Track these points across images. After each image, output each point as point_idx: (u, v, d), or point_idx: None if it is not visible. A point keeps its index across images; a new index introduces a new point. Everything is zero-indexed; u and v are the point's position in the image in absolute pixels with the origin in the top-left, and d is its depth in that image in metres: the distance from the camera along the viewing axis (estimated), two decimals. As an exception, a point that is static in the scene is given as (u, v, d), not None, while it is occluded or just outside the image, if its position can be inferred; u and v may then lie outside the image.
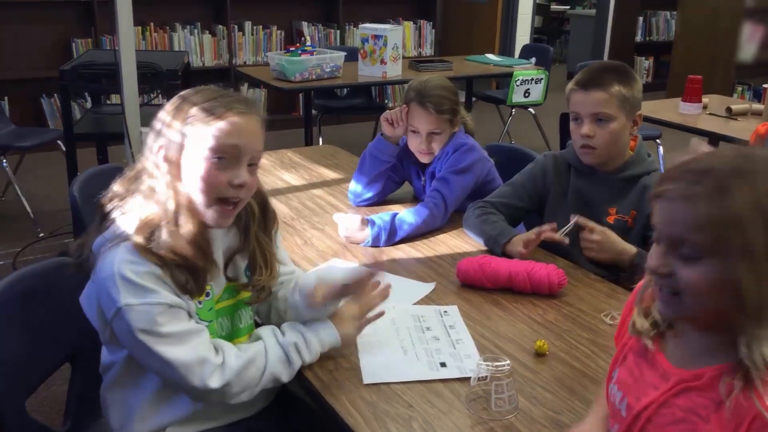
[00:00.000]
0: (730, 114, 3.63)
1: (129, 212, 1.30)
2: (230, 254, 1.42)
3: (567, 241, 1.80)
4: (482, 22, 7.06)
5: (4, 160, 3.98)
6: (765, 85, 3.73)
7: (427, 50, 6.77)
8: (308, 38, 6.03)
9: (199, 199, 1.30)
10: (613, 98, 1.80)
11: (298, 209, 2.27)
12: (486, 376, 1.27)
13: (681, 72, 5.99)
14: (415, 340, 1.51)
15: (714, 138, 3.45)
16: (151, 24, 5.59)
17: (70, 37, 5.38)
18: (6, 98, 5.20)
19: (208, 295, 1.36)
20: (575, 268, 1.85)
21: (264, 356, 1.35)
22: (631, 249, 1.76)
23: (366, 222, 2.00)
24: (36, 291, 1.48)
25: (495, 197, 2.03)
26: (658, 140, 4.62)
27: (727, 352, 0.92)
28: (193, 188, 1.30)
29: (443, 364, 1.42)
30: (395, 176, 2.33)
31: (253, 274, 1.43)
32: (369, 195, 2.28)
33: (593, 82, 1.82)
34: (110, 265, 1.24)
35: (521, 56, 5.62)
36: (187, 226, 1.28)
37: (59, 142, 4.08)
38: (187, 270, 1.28)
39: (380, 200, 2.30)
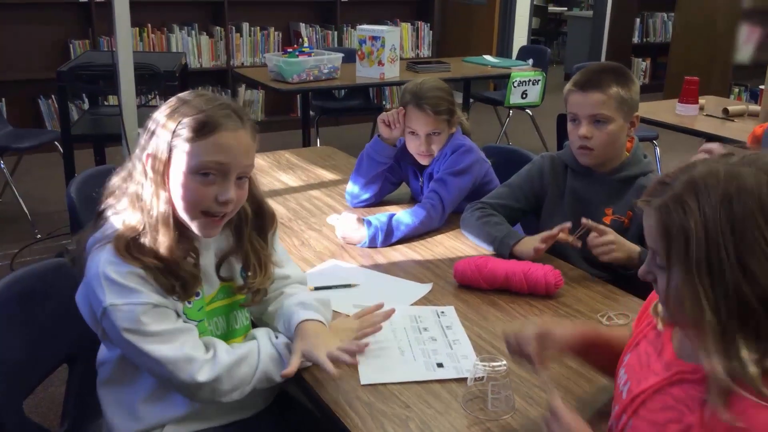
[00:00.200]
0: (727, 115, 3.64)
1: (120, 212, 1.31)
2: (223, 255, 1.42)
3: (579, 244, 1.79)
4: (480, 24, 7.07)
5: (2, 162, 3.98)
6: (761, 87, 3.74)
7: (425, 51, 6.78)
8: (306, 39, 6.03)
9: (184, 211, 1.30)
10: (611, 100, 1.81)
11: (295, 210, 2.27)
12: (483, 377, 1.28)
13: (678, 73, 6.01)
14: (412, 340, 1.51)
15: (710, 139, 3.46)
16: (149, 25, 5.59)
17: (67, 39, 5.38)
18: (3, 99, 5.21)
19: (197, 295, 1.36)
20: (572, 269, 1.85)
21: (257, 355, 1.35)
22: (635, 247, 1.76)
23: (362, 221, 2.00)
24: (34, 292, 1.48)
25: (492, 198, 2.04)
26: (654, 141, 4.63)
27: None
28: (178, 200, 1.29)
29: (440, 365, 1.42)
30: (392, 177, 2.34)
31: (248, 276, 1.43)
32: (366, 196, 2.28)
33: (591, 84, 1.82)
34: (96, 265, 1.26)
35: (519, 57, 5.63)
36: (167, 236, 1.27)
37: (57, 143, 4.08)
38: (171, 275, 1.28)
39: (377, 201, 2.30)
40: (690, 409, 0.94)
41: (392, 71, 4.48)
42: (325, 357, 1.30)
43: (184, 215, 1.30)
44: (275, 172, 2.66)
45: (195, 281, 1.33)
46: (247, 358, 1.33)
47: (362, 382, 1.35)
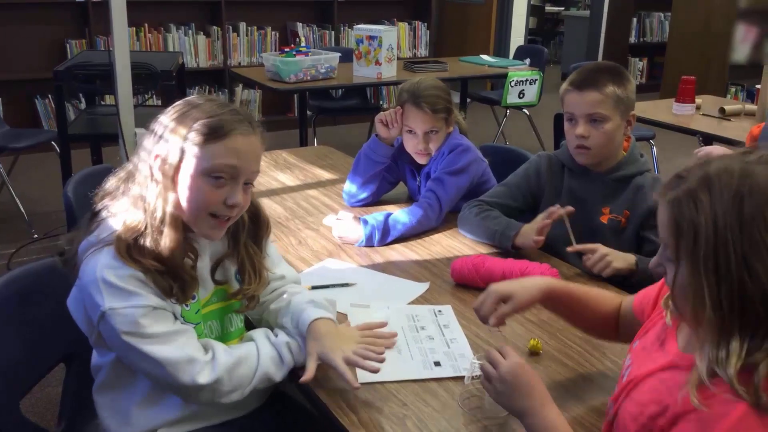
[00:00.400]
0: (723, 114, 3.65)
1: (116, 215, 1.30)
2: (218, 259, 1.41)
3: (573, 210, 1.79)
4: (477, 23, 7.07)
5: (-1, 161, 3.98)
6: (758, 86, 3.74)
7: (422, 51, 6.79)
8: (303, 39, 6.03)
9: (190, 212, 1.30)
10: (608, 99, 1.81)
11: (292, 209, 2.27)
12: (480, 375, 1.28)
13: (675, 73, 6.02)
14: (409, 339, 1.51)
15: (707, 139, 3.47)
16: (146, 25, 5.58)
17: (64, 38, 5.37)
18: (0, 99, 5.19)
19: (193, 298, 1.36)
20: (569, 268, 1.86)
21: (256, 355, 1.35)
22: (630, 255, 1.75)
23: (359, 220, 2.00)
24: (30, 292, 1.48)
25: (489, 197, 2.04)
26: (651, 141, 4.64)
27: None
28: (186, 202, 1.29)
29: (437, 363, 1.42)
30: (390, 177, 2.34)
31: (243, 282, 1.43)
32: (364, 195, 2.28)
33: (588, 83, 1.82)
34: (93, 269, 1.25)
35: (516, 57, 5.64)
36: (171, 236, 1.27)
37: (53, 143, 4.07)
38: (170, 277, 1.28)
39: (375, 200, 2.30)
40: (671, 393, 0.96)
41: (389, 71, 4.48)
42: (343, 363, 1.31)
43: (190, 217, 1.31)
44: (272, 172, 2.65)
45: (193, 283, 1.33)
46: (246, 359, 1.33)
47: (359, 381, 1.35)
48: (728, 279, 0.89)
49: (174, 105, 1.33)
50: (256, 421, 1.47)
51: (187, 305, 1.33)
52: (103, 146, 3.95)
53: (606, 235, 1.85)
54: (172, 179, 1.28)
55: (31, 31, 5.27)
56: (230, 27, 5.92)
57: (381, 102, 6.60)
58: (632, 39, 8.24)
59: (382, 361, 1.33)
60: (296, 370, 1.38)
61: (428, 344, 1.49)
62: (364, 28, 4.45)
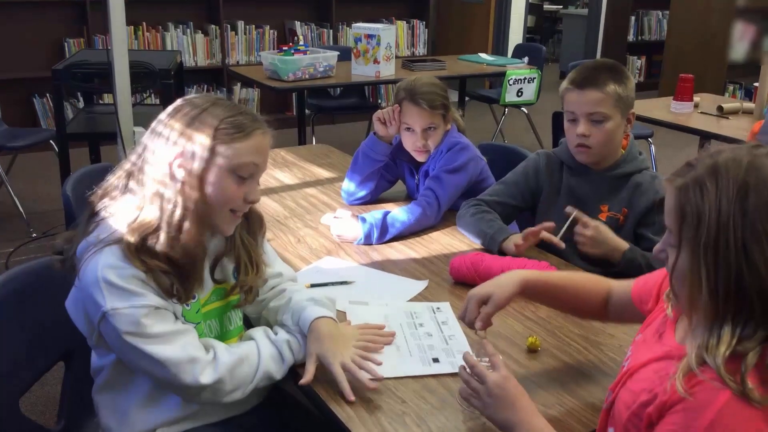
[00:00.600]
0: (722, 113, 3.65)
1: (116, 214, 1.30)
2: (216, 257, 1.42)
3: (563, 246, 1.80)
4: (475, 22, 7.07)
5: (-3, 160, 3.98)
6: (756, 84, 3.75)
7: (420, 50, 6.78)
8: (301, 38, 6.03)
9: (213, 209, 1.32)
10: (609, 98, 1.81)
11: (291, 208, 2.27)
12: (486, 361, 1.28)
13: (673, 71, 6.02)
14: (408, 336, 1.52)
15: (705, 137, 3.48)
16: (144, 24, 5.58)
17: (62, 37, 5.37)
18: (-2, 98, 5.20)
19: (194, 297, 1.36)
20: (567, 266, 1.86)
21: (257, 354, 1.35)
22: (624, 245, 1.77)
23: (357, 218, 2.00)
24: (29, 290, 1.48)
25: (488, 195, 2.04)
26: (650, 139, 4.64)
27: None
28: (211, 199, 1.30)
29: (436, 360, 1.42)
30: (388, 175, 2.34)
31: (240, 274, 1.43)
32: (362, 193, 2.28)
33: (588, 82, 1.82)
34: (94, 270, 1.24)
35: (514, 56, 5.64)
36: (192, 233, 1.28)
37: (52, 142, 4.07)
38: (176, 275, 1.28)
39: (373, 199, 2.31)
40: (661, 382, 0.98)
41: (388, 69, 4.48)
42: (340, 369, 1.31)
43: (212, 213, 1.32)
44: (271, 170, 2.65)
45: (199, 281, 1.34)
46: (247, 358, 1.34)
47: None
48: (726, 266, 0.91)
49: (177, 106, 1.32)
50: (254, 418, 1.48)
51: (187, 305, 1.34)
52: (102, 145, 3.95)
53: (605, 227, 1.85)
54: (197, 177, 1.29)
55: (29, 30, 5.27)
56: (228, 26, 5.91)
57: (379, 100, 6.60)
58: (630, 37, 8.24)
59: (378, 379, 1.32)
60: (296, 368, 1.38)
61: (427, 341, 1.50)
62: (362, 27, 4.45)
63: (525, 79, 4.90)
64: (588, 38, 8.19)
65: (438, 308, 1.64)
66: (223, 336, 1.44)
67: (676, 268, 0.98)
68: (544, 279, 1.39)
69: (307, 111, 4.93)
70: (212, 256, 1.41)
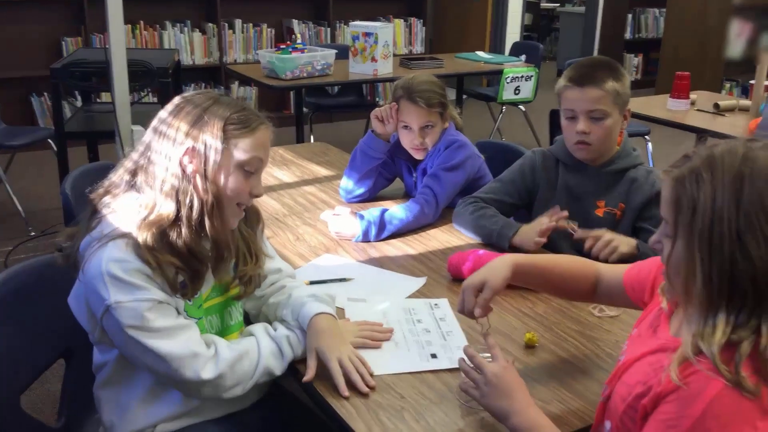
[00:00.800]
0: (718, 110, 3.67)
1: (119, 211, 1.31)
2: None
3: (577, 226, 1.80)
4: (473, 20, 7.08)
5: (-5, 159, 3.98)
6: (752, 81, 3.76)
7: (418, 48, 6.79)
8: (299, 36, 6.03)
9: (223, 204, 1.33)
10: (608, 95, 1.82)
11: (290, 206, 2.28)
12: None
13: (670, 69, 6.03)
14: (406, 332, 1.53)
15: (702, 134, 3.49)
16: (141, 22, 5.58)
17: (60, 36, 5.37)
18: (-5, 97, 5.20)
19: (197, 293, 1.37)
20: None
21: (257, 350, 1.36)
22: (631, 239, 1.77)
23: (355, 215, 2.01)
24: (30, 288, 1.48)
25: (485, 193, 2.05)
26: (647, 136, 4.66)
27: None
28: (222, 194, 1.32)
29: (434, 356, 1.44)
30: (386, 173, 2.35)
31: (239, 265, 1.44)
32: (360, 191, 2.29)
33: (588, 80, 1.83)
34: (98, 264, 1.25)
35: (511, 54, 5.65)
36: (216, 226, 1.32)
37: (50, 140, 4.07)
38: (187, 270, 1.30)
39: (371, 196, 2.32)
40: (656, 374, 0.99)
41: (386, 67, 4.49)
42: (337, 365, 1.32)
43: (222, 208, 1.33)
44: (269, 168, 2.66)
45: (205, 276, 1.36)
46: (248, 354, 1.35)
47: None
48: (720, 254, 0.92)
49: (179, 105, 1.33)
50: (254, 415, 1.49)
51: (190, 300, 1.35)
52: (100, 144, 3.95)
53: (602, 228, 1.86)
54: (209, 174, 1.30)
55: (26, 29, 5.27)
56: (226, 24, 5.92)
57: (377, 99, 6.60)
58: (627, 35, 8.26)
59: (371, 386, 1.33)
60: (296, 365, 1.39)
61: (425, 337, 1.51)
62: (359, 25, 4.46)
63: (522, 77, 4.91)
64: (585, 36, 8.19)
65: (436, 304, 1.65)
66: (223, 331, 1.45)
67: (672, 257, 1.00)
68: (534, 261, 1.41)
69: (304, 109, 4.94)
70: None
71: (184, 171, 1.29)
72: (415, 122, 2.15)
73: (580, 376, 1.37)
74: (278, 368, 1.38)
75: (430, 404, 1.28)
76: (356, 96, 5.51)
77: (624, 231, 1.85)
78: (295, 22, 6.18)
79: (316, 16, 6.38)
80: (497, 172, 2.16)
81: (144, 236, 1.26)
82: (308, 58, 4.30)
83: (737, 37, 6.72)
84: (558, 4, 10.41)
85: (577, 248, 1.86)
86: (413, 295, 1.70)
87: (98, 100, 4.56)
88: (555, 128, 3.39)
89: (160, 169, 1.30)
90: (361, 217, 2.01)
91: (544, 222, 1.82)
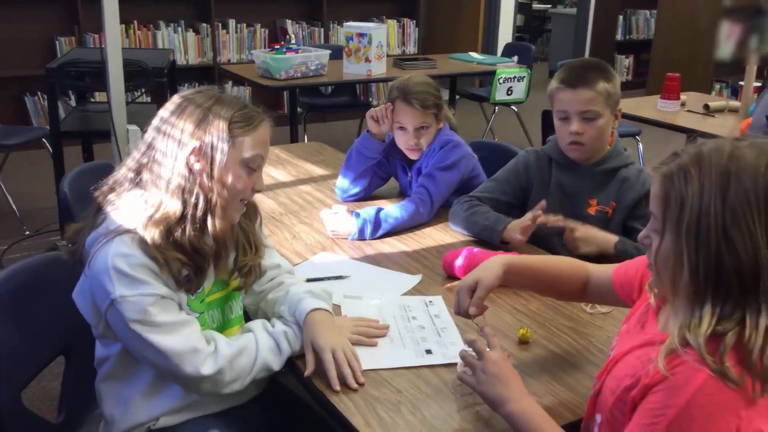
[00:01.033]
0: (708, 111, 3.72)
1: (123, 208, 1.34)
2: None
3: (561, 221, 1.84)
4: (465, 21, 7.11)
5: (-11, 159, 3.98)
6: (741, 83, 3.81)
7: (411, 48, 6.82)
8: (293, 36, 6.05)
9: (228, 200, 1.36)
10: (600, 96, 1.86)
11: (286, 205, 2.31)
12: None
13: (660, 70, 6.08)
14: (401, 328, 1.55)
15: (691, 134, 3.52)
16: (135, 22, 5.58)
17: (53, 36, 5.37)
18: (-10, 96, 5.20)
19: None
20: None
21: (255, 345, 1.39)
22: (613, 237, 1.82)
23: (351, 213, 2.04)
24: (29, 286, 1.50)
25: (480, 192, 2.08)
26: (637, 137, 4.70)
27: None
28: (228, 191, 1.35)
29: (429, 351, 1.46)
30: (381, 172, 2.38)
31: (239, 256, 1.47)
32: (356, 190, 2.32)
33: (581, 81, 1.86)
34: (104, 259, 1.28)
35: (503, 54, 5.68)
36: (218, 226, 1.34)
37: (44, 140, 4.08)
38: (193, 266, 1.33)
39: (367, 195, 2.34)
40: (644, 367, 1.02)
41: (379, 68, 4.51)
42: (331, 357, 1.35)
43: (226, 204, 1.36)
44: (265, 168, 2.65)
45: (208, 272, 1.38)
46: (246, 349, 1.37)
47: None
48: (707, 248, 0.96)
49: (180, 105, 1.35)
50: (253, 410, 1.51)
51: (193, 295, 1.37)
52: (95, 143, 3.96)
53: (594, 226, 1.90)
54: (216, 172, 1.33)
55: (19, 29, 5.26)
56: (219, 24, 5.93)
57: (370, 99, 6.63)
58: (618, 36, 8.31)
59: (361, 384, 1.35)
60: (294, 361, 1.42)
61: (420, 333, 1.54)
62: (353, 26, 4.48)
63: (515, 77, 4.95)
64: (576, 37, 8.23)
65: (431, 302, 1.68)
66: (224, 325, 1.48)
67: (660, 251, 1.03)
68: (526, 262, 1.44)
69: (298, 109, 4.96)
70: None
71: (190, 170, 1.32)
72: (410, 123, 2.18)
73: (572, 371, 1.40)
74: (276, 364, 1.41)
75: (426, 398, 1.31)
76: (350, 96, 5.54)
77: (615, 229, 1.89)
78: (288, 22, 6.20)
79: (310, 17, 6.40)
80: (490, 172, 2.20)
81: (151, 234, 1.28)
82: (302, 58, 4.32)
83: (727, 39, 6.78)
84: (549, 6, 10.46)
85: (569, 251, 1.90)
86: (408, 293, 1.73)
87: (92, 100, 4.57)
88: (548, 129, 3.42)
89: (166, 169, 1.32)
90: (357, 215, 2.04)
91: (527, 219, 1.86)
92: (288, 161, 2.79)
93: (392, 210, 2.08)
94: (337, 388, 1.32)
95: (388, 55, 4.76)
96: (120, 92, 3.03)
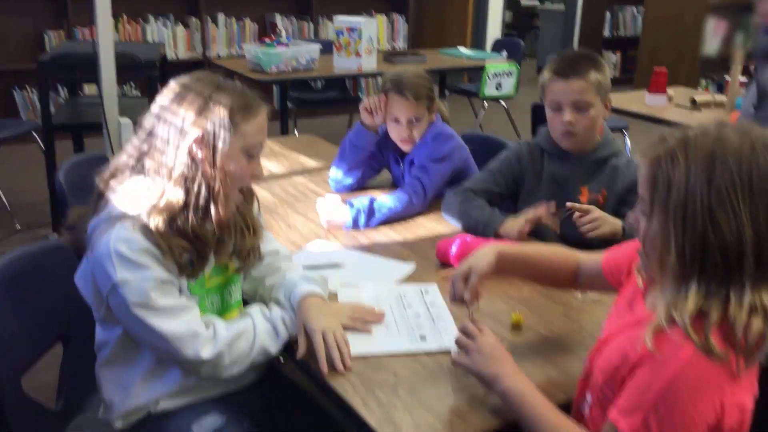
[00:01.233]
0: (695, 105, 3.76)
1: (125, 194, 1.35)
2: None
3: (558, 229, 1.87)
4: (454, 16, 7.14)
5: (-21, 153, 3.97)
6: (727, 78, 3.86)
7: (401, 44, 6.84)
8: (283, 30, 6.05)
9: (229, 188, 1.37)
10: (591, 86, 1.89)
11: (281, 196, 2.33)
12: None
13: (648, 66, 6.13)
14: (397, 316, 1.58)
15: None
16: (124, 16, 5.57)
17: (42, 29, 5.34)
18: (-22, 91, 5.17)
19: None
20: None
21: (253, 330, 1.41)
22: (618, 222, 1.83)
23: (345, 202, 2.07)
24: (27, 274, 1.51)
25: (473, 183, 2.11)
26: (625, 131, 4.75)
27: None
28: (229, 178, 1.36)
29: (423, 338, 1.49)
30: (374, 163, 2.40)
31: (237, 239, 1.48)
32: (349, 181, 2.35)
33: (573, 71, 1.89)
34: (106, 243, 1.30)
35: (493, 50, 5.72)
36: (220, 213, 1.35)
37: (34, 134, 4.07)
38: (195, 252, 1.35)
39: (360, 186, 2.37)
40: (632, 345, 1.06)
41: (369, 63, 4.53)
42: (321, 339, 1.37)
43: (227, 191, 1.37)
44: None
45: (209, 257, 1.41)
46: (244, 333, 1.40)
47: (352, 351, 1.40)
48: (693, 229, 0.99)
49: (180, 93, 1.36)
50: (251, 396, 1.54)
51: (194, 280, 1.40)
52: (86, 137, 3.95)
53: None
54: (218, 160, 1.34)
55: (8, 23, 5.23)
56: (209, 18, 5.92)
57: (360, 94, 6.64)
58: (606, 33, 8.37)
59: (347, 367, 1.36)
60: (293, 346, 1.44)
61: (415, 321, 1.56)
62: (344, 20, 4.49)
63: (504, 73, 4.99)
64: (564, 33, 8.31)
65: (426, 290, 1.71)
66: (224, 309, 1.50)
67: (648, 233, 1.06)
68: (518, 251, 1.48)
69: (288, 104, 4.97)
70: None
71: (193, 159, 1.33)
72: (403, 115, 2.21)
73: (564, 354, 1.43)
74: (274, 347, 1.43)
75: (422, 380, 1.33)
76: (340, 91, 5.56)
77: (606, 217, 1.93)
78: (278, 16, 6.21)
79: (299, 11, 6.40)
80: (480, 164, 2.23)
81: (155, 222, 1.30)
82: (293, 52, 4.33)
83: (713, 35, 6.86)
84: (538, 2, 10.51)
85: (562, 239, 1.93)
86: (404, 281, 1.76)
87: (80, 93, 4.56)
88: (538, 123, 3.46)
89: (169, 158, 1.33)
90: (351, 204, 2.06)
91: (522, 223, 1.89)
92: (281, 153, 2.81)
93: (386, 200, 2.11)
94: (326, 370, 1.34)
95: (377, 51, 4.78)
96: (112, 85, 3.03)
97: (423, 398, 1.28)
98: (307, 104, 5.46)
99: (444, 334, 1.50)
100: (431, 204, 2.21)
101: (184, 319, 1.33)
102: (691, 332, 0.98)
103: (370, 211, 2.06)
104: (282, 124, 4.63)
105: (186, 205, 1.33)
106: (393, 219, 2.11)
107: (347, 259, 1.86)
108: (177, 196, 1.33)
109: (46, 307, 1.55)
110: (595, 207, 1.84)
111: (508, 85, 5.04)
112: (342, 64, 4.52)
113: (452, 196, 2.09)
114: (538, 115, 3.32)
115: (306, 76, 4.48)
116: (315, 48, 4.47)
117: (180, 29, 5.82)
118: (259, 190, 2.32)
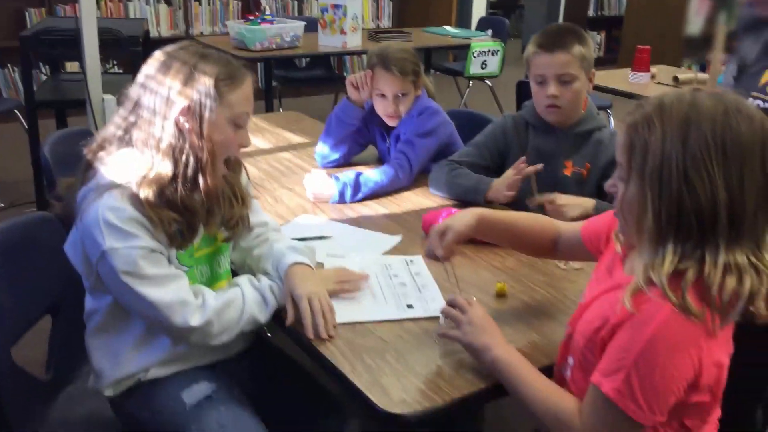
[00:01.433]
0: (677, 83, 3.80)
1: (113, 164, 1.36)
2: None
3: (536, 202, 1.88)
4: (439, -5, 7.11)
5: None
6: (708, 57, 3.90)
7: (385, 22, 6.82)
8: (267, 8, 6.01)
9: (216, 158, 1.38)
10: (575, 59, 1.91)
11: (267, 171, 2.34)
12: None
13: (631, 45, 6.12)
14: (383, 285, 1.60)
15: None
16: (106, -7, 5.51)
17: (23, 7, 5.27)
18: (-43, 69, 5.10)
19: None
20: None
21: (242, 299, 1.43)
22: (589, 200, 1.86)
23: (331, 177, 2.08)
24: (16, 246, 1.52)
25: (459, 157, 2.13)
26: (609, 110, 4.78)
27: None
28: (216, 149, 1.37)
29: (410, 306, 1.52)
30: (360, 139, 2.41)
31: (226, 209, 1.49)
32: (335, 156, 2.36)
33: (557, 45, 1.91)
34: (95, 212, 1.31)
35: (478, 29, 5.72)
36: (208, 182, 1.36)
37: (17, 111, 4.03)
38: (185, 223, 1.36)
39: (346, 162, 2.38)
40: (612, 308, 1.09)
41: (354, 40, 4.52)
42: (307, 305, 1.39)
43: (214, 162, 1.38)
44: (244, 136, 2.70)
45: (198, 227, 1.42)
46: (234, 302, 1.42)
47: (338, 320, 1.43)
48: (669, 191, 1.02)
49: (165, 63, 1.36)
50: (239, 365, 1.56)
51: (183, 250, 1.41)
52: (69, 115, 3.92)
53: (570, 187, 1.96)
54: (205, 130, 1.34)
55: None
56: (192, -5, 5.87)
57: (345, 73, 6.62)
58: (591, 12, 8.38)
59: (330, 336, 1.38)
60: (282, 315, 1.46)
61: (401, 290, 1.59)
62: (328, -3, 4.47)
63: (489, 51, 4.99)
64: (549, 13, 8.29)
65: (411, 261, 1.73)
66: (213, 279, 1.52)
67: (626, 197, 1.09)
68: (498, 215, 1.49)
69: (273, 83, 4.94)
70: None
71: (180, 130, 1.34)
72: (389, 90, 2.22)
73: (547, 320, 1.47)
74: (263, 316, 1.45)
75: (409, 346, 1.36)
76: (324, 70, 5.53)
77: (590, 189, 1.96)
78: (262, -6, 6.16)
79: (284, -11, 6.35)
80: (465, 140, 2.25)
81: (145, 194, 1.31)
82: (277, 29, 4.31)
83: (696, 15, 6.89)
84: (523, -19, 10.46)
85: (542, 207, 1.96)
86: (389, 253, 1.78)
87: (63, 71, 4.51)
88: (523, 101, 3.46)
89: (156, 128, 1.34)
90: (337, 178, 2.08)
91: (510, 175, 1.91)
92: (266, 129, 2.81)
93: (372, 174, 2.12)
94: (311, 335, 1.36)
95: (362, 29, 4.76)
96: (95, 61, 3.02)
97: (410, 363, 1.31)
98: (291, 82, 5.43)
99: (430, 302, 1.53)
100: (417, 178, 2.23)
101: (173, 288, 1.35)
102: (669, 292, 1.01)
103: (356, 185, 2.08)
104: (267, 102, 4.62)
105: (174, 176, 1.34)
106: (379, 193, 2.13)
107: (334, 232, 1.88)
108: (166, 167, 1.33)
109: (35, 278, 1.56)
110: (560, 194, 1.85)
111: (493, 64, 5.05)
112: (327, 41, 4.50)
113: (439, 169, 2.12)
114: (523, 93, 3.34)
115: (290, 53, 4.45)
116: (299, 25, 4.45)
117: (162, 6, 5.76)
118: (246, 165, 2.34)
